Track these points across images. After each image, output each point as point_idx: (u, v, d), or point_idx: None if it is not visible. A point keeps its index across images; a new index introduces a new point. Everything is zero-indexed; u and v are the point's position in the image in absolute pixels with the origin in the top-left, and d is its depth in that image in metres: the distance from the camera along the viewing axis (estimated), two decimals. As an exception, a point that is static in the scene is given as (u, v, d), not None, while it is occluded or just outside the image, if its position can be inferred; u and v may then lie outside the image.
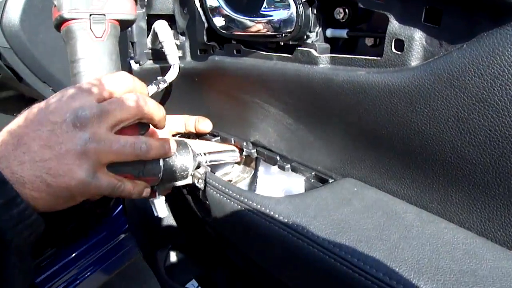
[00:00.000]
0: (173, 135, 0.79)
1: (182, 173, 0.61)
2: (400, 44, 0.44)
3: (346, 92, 0.48)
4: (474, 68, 0.38)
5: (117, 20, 0.61)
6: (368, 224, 0.46)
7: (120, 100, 0.52)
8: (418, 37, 0.42)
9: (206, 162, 0.67)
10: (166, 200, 0.79)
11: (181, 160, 0.61)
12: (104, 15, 0.59)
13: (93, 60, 0.58)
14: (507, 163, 0.38)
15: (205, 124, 0.76)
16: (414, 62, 0.43)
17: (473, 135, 0.40)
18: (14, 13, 1.09)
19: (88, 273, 1.42)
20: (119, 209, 1.40)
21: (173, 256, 0.99)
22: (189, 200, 0.76)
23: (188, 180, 0.64)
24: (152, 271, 1.13)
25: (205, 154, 0.67)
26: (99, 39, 0.59)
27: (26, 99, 1.90)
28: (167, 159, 0.60)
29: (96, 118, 0.49)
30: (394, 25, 0.43)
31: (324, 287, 0.47)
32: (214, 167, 0.75)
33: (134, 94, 0.54)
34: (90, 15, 0.57)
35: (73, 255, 1.39)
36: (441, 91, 0.40)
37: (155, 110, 0.55)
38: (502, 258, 0.41)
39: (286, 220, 0.50)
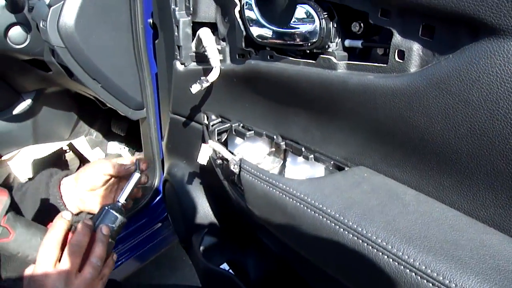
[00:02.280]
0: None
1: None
2: (401, 54, 0.55)
3: (358, 93, 0.60)
4: (457, 74, 0.48)
5: None
6: (372, 202, 0.57)
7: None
8: (416, 48, 0.53)
9: (123, 206, 0.86)
10: (205, 190, 0.92)
11: (117, 224, 0.82)
12: None
13: None
14: (485, 152, 0.49)
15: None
16: (413, 69, 0.54)
17: (458, 129, 0.50)
18: (69, 16, 1.23)
19: (123, 259, 1.56)
20: (158, 197, 1.54)
21: (207, 240, 1.12)
22: (224, 185, 0.88)
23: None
24: (188, 255, 1.26)
25: (119, 204, 0.86)
26: None
27: (71, 94, 2.07)
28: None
29: None
30: (397, 38, 0.55)
31: (335, 253, 0.58)
32: (247, 158, 0.87)
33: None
34: None
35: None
36: (432, 92, 0.51)
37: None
38: (482, 232, 0.52)
39: (306, 197, 0.61)
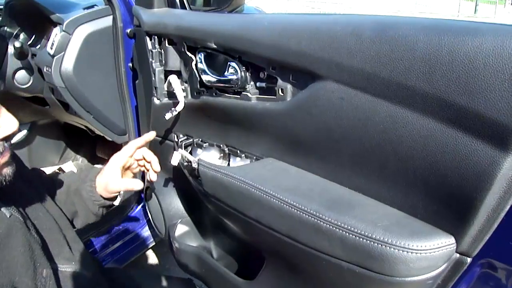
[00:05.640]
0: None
1: None
2: (282, 90, 1.03)
3: (262, 114, 1.07)
4: (307, 99, 0.96)
5: None
6: (271, 174, 1.04)
7: None
8: (289, 87, 1.01)
9: None
10: (177, 191, 1.38)
11: None
12: None
13: None
14: (325, 140, 0.96)
15: (149, 135, 1.22)
16: (288, 98, 1.02)
17: (311, 129, 0.98)
18: (69, 64, 1.69)
19: (107, 261, 1.96)
20: (139, 206, 1.99)
21: (180, 228, 1.56)
22: (190, 180, 1.34)
23: None
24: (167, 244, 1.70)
25: None
26: None
27: (60, 125, 2.52)
28: None
29: None
30: (280, 81, 1.02)
31: (250, 203, 1.03)
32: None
33: None
34: None
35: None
36: (297, 110, 0.99)
37: None
38: (327, 184, 0.98)
39: (235, 175, 1.08)
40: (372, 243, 0.81)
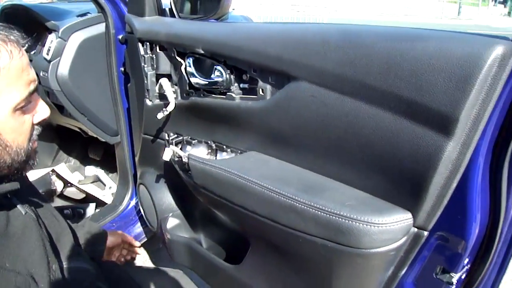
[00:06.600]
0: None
1: None
2: (262, 90, 1.16)
3: (245, 113, 1.21)
4: (284, 98, 1.09)
5: None
6: (253, 165, 1.17)
7: None
8: (268, 87, 1.15)
9: None
10: (169, 186, 1.51)
11: None
12: None
13: None
14: (301, 133, 1.10)
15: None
16: (268, 97, 1.15)
17: (288, 124, 1.11)
18: (65, 68, 1.81)
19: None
20: (131, 204, 2.11)
21: (172, 221, 1.68)
22: (180, 174, 1.46)
23: None
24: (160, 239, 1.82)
25: None
26: None
27: (52, 128, 2.62)
28: None
29: None
30: (260, 82, 1.16)
31: (235, 190, 1.16)
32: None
33: None
34: None
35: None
36: (276, 108, 1.12)
37: None
38: (303, 172, 1.12)
39: (221, 166, 1.20)
40: (340, 219, 0.94)
